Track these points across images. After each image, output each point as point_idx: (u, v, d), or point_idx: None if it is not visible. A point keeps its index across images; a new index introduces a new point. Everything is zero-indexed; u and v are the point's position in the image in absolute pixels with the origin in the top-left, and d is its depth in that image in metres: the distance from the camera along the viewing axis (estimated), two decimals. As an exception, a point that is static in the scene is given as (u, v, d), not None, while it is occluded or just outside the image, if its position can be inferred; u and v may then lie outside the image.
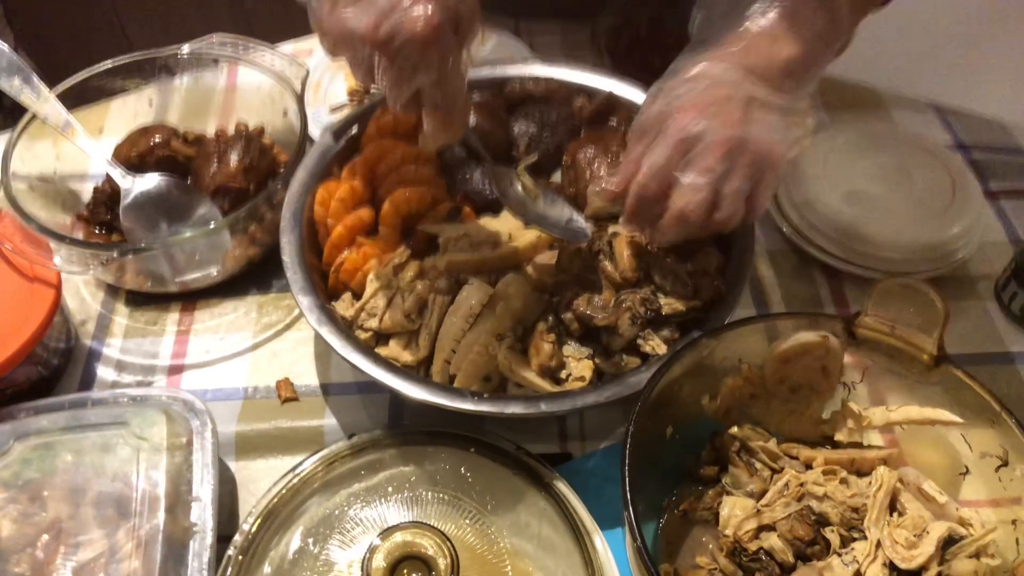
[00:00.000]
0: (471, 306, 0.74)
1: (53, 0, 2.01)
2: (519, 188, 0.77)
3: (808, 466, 0.71)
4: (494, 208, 0.83)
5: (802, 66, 0.66)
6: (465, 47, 0.63)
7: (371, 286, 0.76)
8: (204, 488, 0.68)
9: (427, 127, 0.66)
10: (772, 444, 0.71)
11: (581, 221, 0.76)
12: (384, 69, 0.60)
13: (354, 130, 0.87)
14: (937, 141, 0.97)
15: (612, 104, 0.88)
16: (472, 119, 0.84)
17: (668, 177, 0.64)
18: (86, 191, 0.94)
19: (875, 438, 0.72)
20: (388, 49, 0.58)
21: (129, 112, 0.98)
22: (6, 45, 0.87)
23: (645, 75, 1.00)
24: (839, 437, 0.72)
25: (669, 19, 1.07)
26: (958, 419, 0.65)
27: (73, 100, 0.91)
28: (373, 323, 0.75)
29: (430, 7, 0.57)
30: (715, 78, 0.64)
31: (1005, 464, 0.63)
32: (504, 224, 0.80)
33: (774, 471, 0.71)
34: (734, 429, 0.71)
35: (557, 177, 0.85)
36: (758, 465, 0.71)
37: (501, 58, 1.07)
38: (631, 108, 0.88)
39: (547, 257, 0.77)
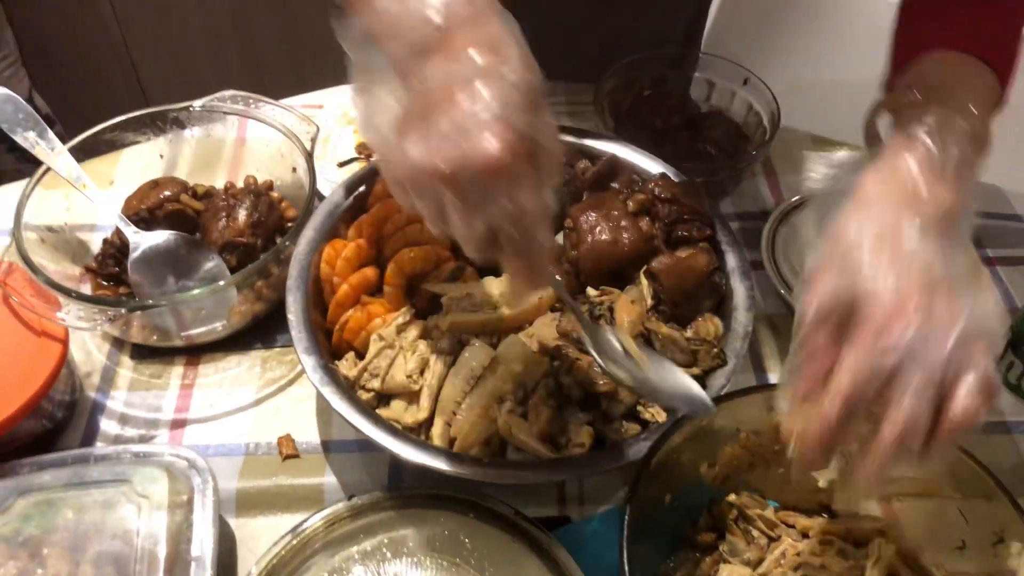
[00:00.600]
0: (472, 368, 0.75)
1: (70, 50, 2.05)
2: (617, 346, 0.67)
3: (805, 535, 0.71)
4: (497, 269, 0.85)
5: (963, 206, 0.60)
6: (546, 183, 0.53)
7: (374, 346, 0.77)
8: (204, 548, 0.68)
9: (509, 277, 0.60)
10: (769, 512, 0.72)
11: (700, 391, 0.67)
12: (452, 205, 0.52)
13: (362, 188, 0.88)
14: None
15: (614, 167, 0.89)
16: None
17: (887, 380, 0.52)
18: (95, 242, 0.95)
19: (872, 507, 0.73)
20: (454, 182, 0.50)
21: (140, 164, 1.00)
22: (21, 99, 0.88)
23: (647, 135, 1.03)
24: (836, 506, 0.72)
25: (671, 80, 1.09)
26: (955, 494, 0.65)
27: (85, 152, 0.93)
28: (375, 384, 0.76)
29: (503, 131, 0.49)
30: (899, 250, 0.55)
31: (1001, 541, 0.63)
32: (507, 286, 0.81)
33: (771, 539, 0.71)
34: (732, 497, 0.72)
35: (559, 239, 0.86)
36: (755, 533, 0.71)
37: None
38: (632, 171, 0.90)
39: (549, 320, 0.78)
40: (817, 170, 0.66)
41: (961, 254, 0.57)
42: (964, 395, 0.52)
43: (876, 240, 0.56)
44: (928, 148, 0.60)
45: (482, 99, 0.50)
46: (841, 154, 0.64)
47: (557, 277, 0.60)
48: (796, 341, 0.57)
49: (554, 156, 0.54)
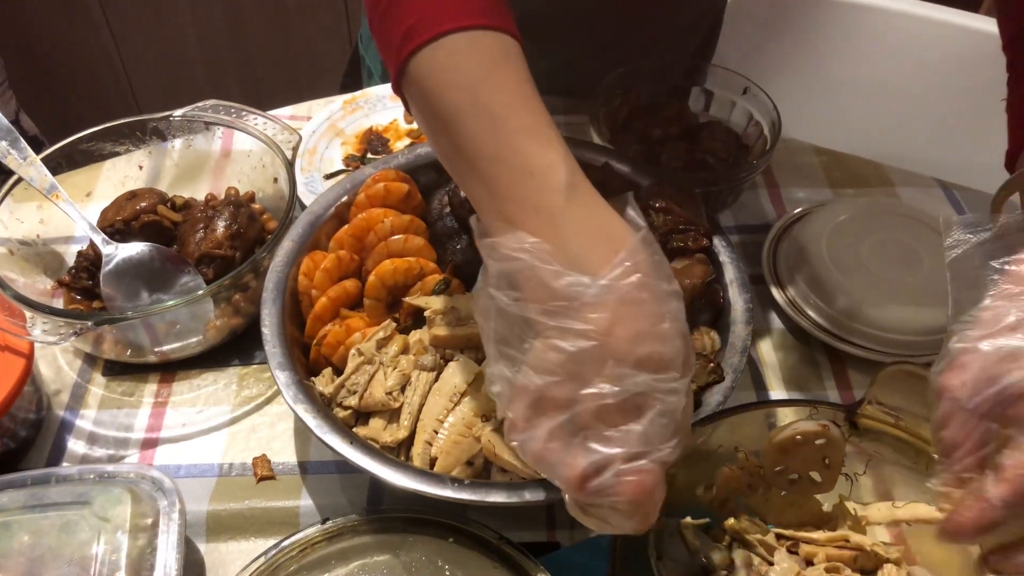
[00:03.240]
0: (456, 384, 0.71)
1: (63, 68, 2.05)
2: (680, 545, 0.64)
3: (809, 562, 0.67)
4: (484, 281, 0.81)
5: None
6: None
7: (353, 361, 0.74)
8: (168, 573, 0.64)
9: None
10: (770, 537, 0.67)
11: None
12: (583, 507, 0.52)
13: (344, 199, 0.85)
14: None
15: (607, 176, 0.86)
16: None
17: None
18: (70, 255, 0.92)
19: (880, 531, 0.68)
20: (591, 501, 0.50)
21: (119, 176, 0.97)
22: None
23: (644, 145, 1.00)
24: (842, 532, 0.68)
25: (669, 91, 1.06)
26: (969, 520, 0.61)
27: (63, 164, 0.90)
28: (353, 401, 0.72)
29: (650, 470, 0.49)
30: None
31: (1019, 568, 0.59)
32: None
33: (771, 565, 0.67)
34: (730, 521, 0.67)
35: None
36: (755, 559, 0.67)
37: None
38: (626, 180, 0.87)
39: None
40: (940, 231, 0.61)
41: None
42: None
43: None
44: None
45: (635, 435, 0.49)
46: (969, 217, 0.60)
47: None
48: (939, 414, 0.53)
49: (686, 450, 0.52)
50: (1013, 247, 0.55)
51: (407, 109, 0.61)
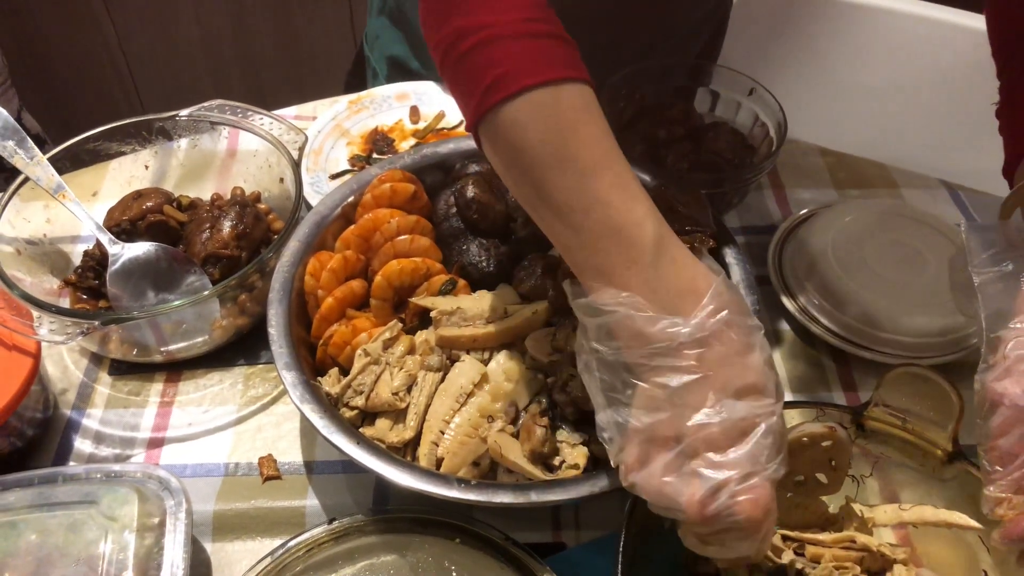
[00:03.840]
0: (462, 385, 0.71)
1: (68, 67, 2.05)
2: None
3: (815, 562, 0.67)
4: (490, 281, 0.81)
5: None
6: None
7: (359, 361, 0.74)
8: (174, 573, 0.65)
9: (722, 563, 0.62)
10: (777, 539, 0.67)
11: None
12: (702, 537, 0.55)
13: (351, 199, 0.85)
14: (948, 220, 0.94)
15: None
16: (470, 191, 0.82)
17: None
18: (77, 255, 0.92)
19: (887, 533, 0.68)
20: (711, 527, 0.53)
21: (125, 176, 0.97)
22: (2, 109, 0.86)
23: (649, 146, 1.00)
24: (848, 533, 0.68)
25: (675, 92, 1.06)
26: (976, 524, 0.61)
27: (69, 163, 0.90)
28: (359, 401, 0.72)
29: (763, 489, 0.52)
30: None
31: (1026, 571, 0.59)
32: (499, 299, 0.78)
33: (777, 567, 0.67)
34: (736, 523, 0.67)
35: (555, 251, 0.82)
36: (761, 560, 0.67)
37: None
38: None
39: (543, 335, 0.75)
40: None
41: None
42: None
43: None
44: None
45: (744, 456, 0.52)
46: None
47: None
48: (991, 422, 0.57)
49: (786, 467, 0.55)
50: None
51: (480, 150, 0.63)
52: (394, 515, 0.70)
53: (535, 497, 0.64)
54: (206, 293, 0.79)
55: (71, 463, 0.78)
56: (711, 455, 0.52)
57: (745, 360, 0.54)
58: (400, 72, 1.23)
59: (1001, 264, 0.61)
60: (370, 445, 0.67)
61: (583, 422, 0.70)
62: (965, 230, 0.63)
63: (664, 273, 0.55)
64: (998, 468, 0.57)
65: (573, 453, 0.68)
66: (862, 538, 0.66)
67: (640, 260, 0.55)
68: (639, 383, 0.55)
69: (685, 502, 0.52)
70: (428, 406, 0.72)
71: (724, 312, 0.54)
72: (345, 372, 0.75)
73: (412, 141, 1.09)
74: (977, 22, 1.24)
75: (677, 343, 0.53)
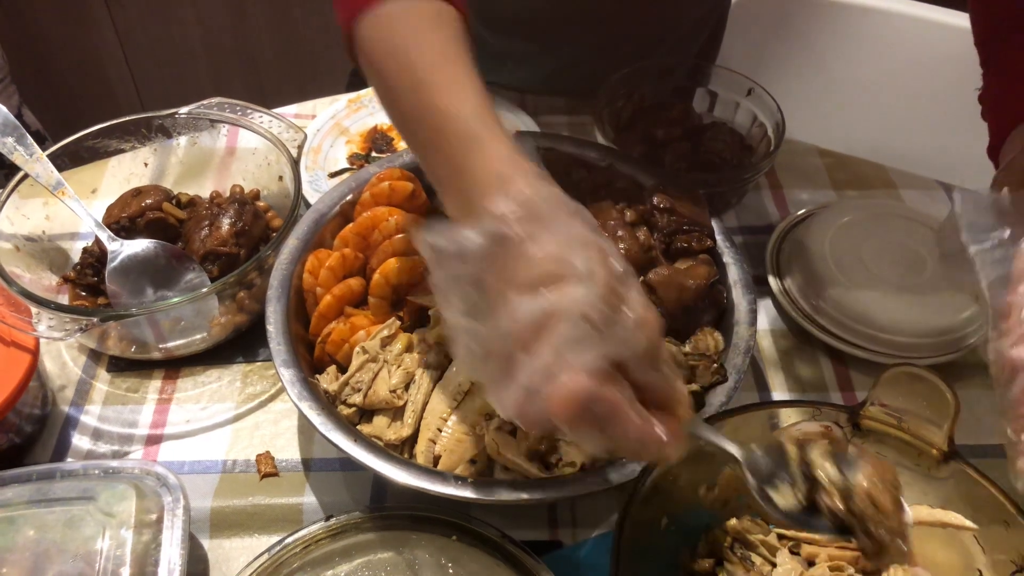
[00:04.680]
0: (460, 383, 0.72)
1: (68, 65, 2.05)
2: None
3: (811, 562, 0.67)
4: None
5: None
6: (647, 371, 0.50)
7: (357, 359, 0.74)
8: (172, 569, 0.65)
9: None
10: (772, 538, 0.68)
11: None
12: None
13: (349, 197, 0.85)
14: (947, 221, 0.95)
15: (611, 178, 0.86)
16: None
17: None
18: (76, 252, 0.92)
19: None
20: (543, 430, 0.53)
21: (124, 173, 0.97)
22: (2, 106, 0.86)
23: (648, 146, 1.00)
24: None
25: (673, 92, 1.07)
26: (971, 524, 0.61)
27: (69, 160, 0.90)
28: (357, 398, 0.72)
29: (569, 386, 0.47)
30: None
31: (1020, 570, 0.59)
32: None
33: (773, 566, 0.67)
34: (732, 522, 0.68)
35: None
36: (756, 560, 0.67)
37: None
38: (630, 181, 0.87)
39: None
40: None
41: None
42: None
43: None
44: None
45: (545, 352, 0.47)
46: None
47: (694, 428, 0.55)
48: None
49: (647, 347, 0.50)
50: None
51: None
52: (391, 512, 0.70)
53: (532, 495, 0.64)
54: (204, 290, 0.79)
55: (69, 459, 0.78)
56: (521, 356, 0.49)
57: (538, 250, 0.50)
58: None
59: (997, 230, 0.59)
60: (367, 443, 0.67)
61: (580, 420, 0.70)
62: (958, 197, 0.62)
63: (472, 165, 0.54)
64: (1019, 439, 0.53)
65: (570, 451, 0.68)
66: (858, 537, 0.66)
67: (453, 157, 0.55)
68: (454, 299, 0.52)
69: (511, 413, 0.50)
70: (426, 404, 0.72)
71: (516, 208, 0.51)
72: (343, 370, 0.75)
73: (411, 140, 1.09)
74: (976, 24, 1.24)
75: (468, 251, 0.51)
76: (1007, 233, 0.59)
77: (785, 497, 0.57)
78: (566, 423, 0.48)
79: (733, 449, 0.58)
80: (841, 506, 0.55)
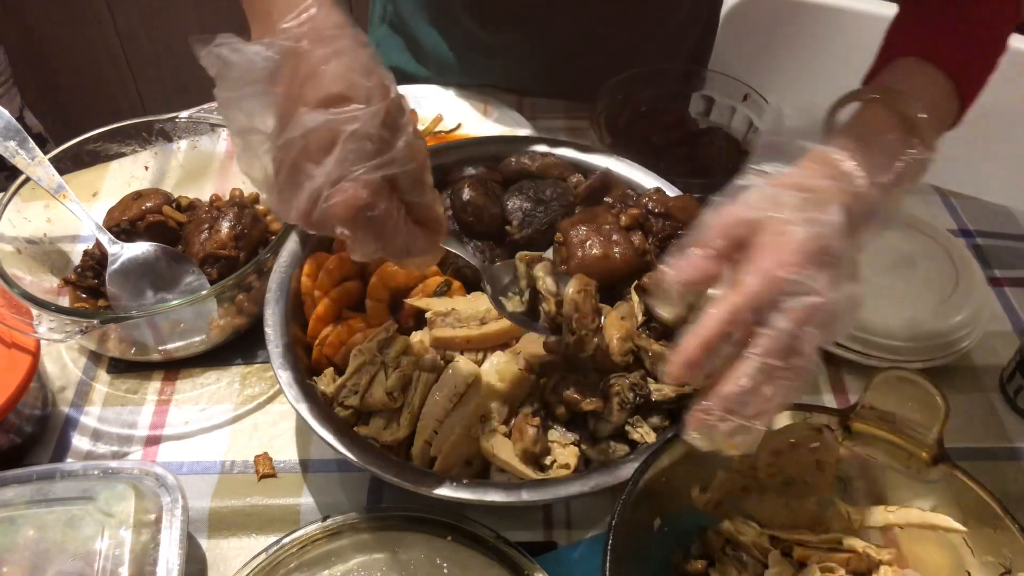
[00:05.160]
0: (455, 385, 0.72)
1: (69, 67, 2.05)
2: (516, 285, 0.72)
3: (803, 564, 0.68)
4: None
5: (890, 213, 0.64)
6: (415, 192, 0.58)
7: (354, 361, 0.75)
8: (171, 569, 0.65)
9: (398, 266, 0.65)
10: (764, 539, 0.68)
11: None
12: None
13: (347, 201, 0.85)
14: (940, 226, 0.95)
15: (607, 181, 0.87)
16: (466, 194, 0.83)
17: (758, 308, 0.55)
18: (76, 254, 0.93)
19: (873, 534, 0.69)
20: (327, 232, 0.57)
21: (125, 176, 0.98)
22: (4, 109, 0.87)
23: (644, 151, 1.00)
24: (835, 535, 0.69)
25: (669, 97, 1.07)
26: (960, 527, 0.62)
27: (70, 164, 0.91)
28: (354, 400, 0.73)
29: (350, 190, 0.54)
30: (822, 216, 0.58)
31: (1008, 572, 0.60)
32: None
33: (765, 566, 0.68)
34: (724, 523, 0.68)
35: (549, 254, 0.83)
36: (748, 561, 0.68)
37: (497, 134, 1.07)
38: (626, 186, 0.88)
39: (536, 337, 0.75)
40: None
41: (856, 251, 0.60)
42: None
43: (802, 201, 0.58)
44: (864, 147, 0.62)
45: (330, 161, 0.54)
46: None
47: (447, 244, 0.65)
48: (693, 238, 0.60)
49: (418, 172, 0.58)
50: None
51: None
52: (387, 513, 0.71)
53: (526, 496, 0.65)
54: (204, 293, 0.80)
55: (69, 460, 0.79)
56: (309, 166, 0.54)
57: (327, 71, 0.55)
58: (402, 80, 1.24)
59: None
60: (364, 444, 0.68)
61: (574, 422, 0.71)
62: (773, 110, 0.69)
63: None
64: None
65: (564, 453, 0.69)
66: (848, 539, 0.66)
67: None
68: (236, 115, 0.58)
69: (295, 214, 0.56)
70: (422, 406, 0.72)
71: (302, 25, 0.56)
72: (340, 372, 0.76)
73: (410, 144, 1.10)
74: (971, 30, 1.24)
75: (257, 66, 0.56)
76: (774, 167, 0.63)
77: (514, 304, 0.70)
78: (346, 225, 0.54)
79: (475, 263, 0.71)
80: (554, 310, 0.69)
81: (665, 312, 0.63)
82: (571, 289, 0.70)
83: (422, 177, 0.58)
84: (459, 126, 1.12)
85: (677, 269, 0.58)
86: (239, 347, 0.87)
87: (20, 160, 0.86)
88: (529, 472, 0.68)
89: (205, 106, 0.96)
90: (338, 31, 0.57)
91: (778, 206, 0.58)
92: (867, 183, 0.61)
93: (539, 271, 0.71)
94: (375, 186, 0.54)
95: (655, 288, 0.62)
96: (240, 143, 0.59)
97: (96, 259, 0.89)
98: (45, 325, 0.76)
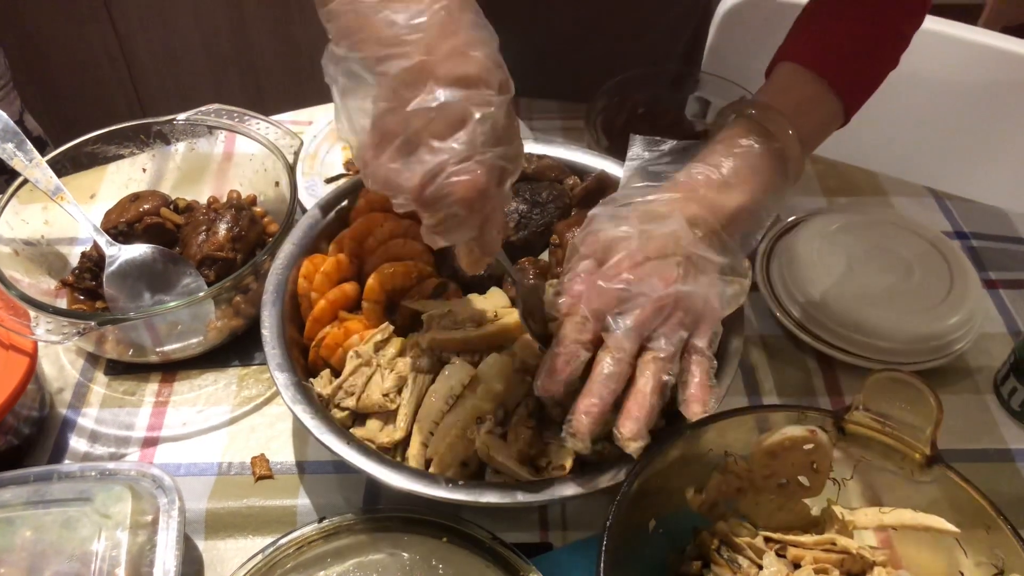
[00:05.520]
0: (452, 386, 0.72)
1: (68, 70, 2.05)
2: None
3: (796, 565, 0.68)
4: (481, 286, 0.82)
5: (749, 215, 0.70)
6: (507, 185, 0.59)
7: (351, 363, 0.75)
8: (167, 570, 0.66)
9: (461, 259, 0.65)
10: (759, 540, 0.69)
11: None
12: (426, 220, 0.58)
13: (344, 203, 0.86)
14: (935, 228, 0.96)
15: (603, 183, 0.87)
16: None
17: (602, 320, 0.65)
18: (74, 256, 0.93)
19: (868, 535, 0.70)
20: (433, 209, 0.56)
21: (123, 179, 0.99)
22: (2, 112, 0.87)
23: (640, 155, 1.01)
24: (829, 536, 0.69)
25: (665, 100, 1.08)
26: (954, 528, 0.62)
27: (67, 166, 0.92)
28: (351, 402, 0.73)
29: (478, 171, 0.54)
30: (661, 226, 0.67)
31: (1001, 573, 0.60)
32: (490, 303, 0.79)
33: (760, 567, 0.68)
34: (719, 525, 0.68)
35: (545, 256, 0.84)
36: (743, 562, 0.68)
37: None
38: (623, 188, 0.88)
39: (532, 339, 0.76)
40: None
41: (726, 259, 0.69)
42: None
43: (647, 218, 0.68)
44: (726, 161, 0.71)
45: (461, 139, 0.54)
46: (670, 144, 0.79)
47: (500, 256, 0.67)
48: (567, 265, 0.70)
49: (517, 169, 0.59)
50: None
51: None
52: (384, 514, 0.71)
53: (522, 497, 0.65)
54: (201, 295, 0.80)
55: (66, 461, 0.79)
56: (433, 141, 0.54)
57: (468, 52, 0.55)
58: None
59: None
60: (361, 446, 0.68)
61: (570, 424, 0.71)
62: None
63: None
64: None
65: (560, 454, 0.69)
66: (843, 540, 0.67)
67: None
68: (367, 76, 0.56)
69: (407, 186, 0.55)
70: (418, 408, 0.73)
71: (445, 5, 0.56)
72: (337, 373, 0.76)
73: (407, 146, 1.10)
74: (967, 33, 1.25)
75: (395, 31, 0.55)
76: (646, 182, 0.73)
77: (538, 325, 0.72)
78: (463, 205, 0.55)
79: (516, 277, 0.73)
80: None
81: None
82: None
83: (516, 176, 0.59)
84: (456, 128, 1.12)
85: (563, 372, 0.64)
86: (236, 349, 0.88)
87: (18, 162, 0.86)
88: (525, 473, 0.68)
89: (203, 108, 0.97)
90: (476, 18, 0.58)
91: (619, 222, 0.68)
92: (715, 192, 0.69)
93: (549, 288, 0.73)
94: (495, 173, 0.55)
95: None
96: (341, 101, 0.59)
97: (94, 261, 0.90)
98: (43, 327, 0.76)
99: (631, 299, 0.65)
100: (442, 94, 0.54)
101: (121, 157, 0.97)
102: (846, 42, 0.77)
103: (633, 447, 0.63)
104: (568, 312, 0.66)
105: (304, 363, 0.78)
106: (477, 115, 0.54)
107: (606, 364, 0.64)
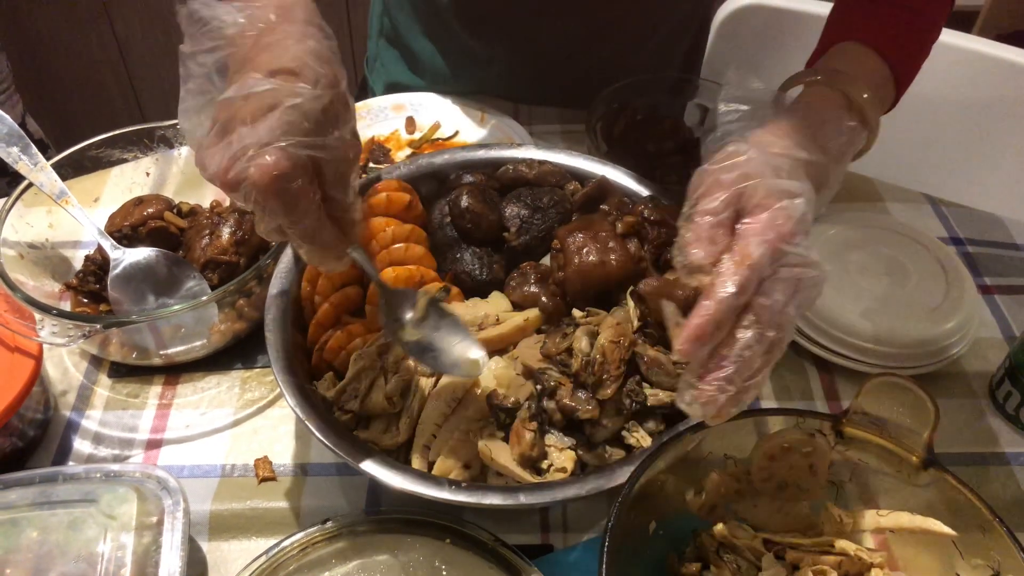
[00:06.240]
0: (454, 390, 0.73)
1: (69, 73, 2.06)
2: (410, 313, 0.71)
3: (795, 566, 0.69)
4: (483, 289, 0.83)
5: (826, 166, 0.68)
6: (337, 187, 0.60)
7: (354, 366, 0.75)
8: (172, 571, 0.66)
9: (302, 255, 0.65)
10: (757, 542, 0.69)
11: (473, 355, 0.70)
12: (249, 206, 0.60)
13: (347, 207, 0.86)
14: (931, 234, 0.97)
15: (604, 189, 0.88)
16: (464, 201, 0.84)
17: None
18: (78, 259, 0.94)
19: (865, 538, 0.70)
20: (236, 194, 0.57)
21: (126, 182, 0.99)
22: (3, 113, 0.88)
23: (639, 160, 1.02)
24: (827, 538, 0.70)
25: (664, 106, 1.09)
26: (950, 531, 0.63)
27: (71, 169, 0.92)
28: (354, 405, 0.74)
29: (274, 157, 0.55)
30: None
31: (996, 575, 0.61)
32: (492, 306, 0.80)
33: (759, 569, 0.69)
34: (719, 527, 0.69)
35: (546, 261, 0.85)
36: (742, 564, 0.69)
37: (495, 141, 1.08)
38: (622, 193, 0.89)
39: (533, 342, 0.77)
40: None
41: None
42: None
43: (793, 167, 0.63)
44: (811, 123, 0.68)
45: (263, 126, 0.56)
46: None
47: (355, 252, 0.66)
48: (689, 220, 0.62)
49: (344, 162, 0.60)
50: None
51: None
52: (386, 516, 0.72)
53: (523, 499, 0.66)
54: (205, 298, 0.81)
55: (71, 463, 0.80)
56: (242, 128, 0.56)
57: (286, 46, 0.59)
58: (400, 92, 1.25)
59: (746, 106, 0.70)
60: (364, 448, 0.69)
61: (571, 427, 0.72)
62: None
63: None
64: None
65: (561, 457, 0.70)
66: (840, 543, 0.68)
67: None
68: (197, 68, 0.61)
69: (213, 168, 0.57)
70: (421, 410, 0.73)
71: (280, 9, 0.60)
72: (340, 377, 0.77)
73: (408, 151, 1.11)
74: (965, 41, 1.26)
75: (227, 25, 0.60)
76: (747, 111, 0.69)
77: (408, 333, 0.70)
78: (259, 190, 0.55)
79: (376, 280, 0.71)
80: (579, 367, 0.71)
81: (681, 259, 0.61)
82: (604, 336, 0.72)
83: (348, 175, 0.61)
84: (456, 133, 1.13)
85: (694, 235, 0.60)
86: (239, 352, 0.88)
87: (23, 166, 0.87)
88: (526, 476, 0.68)
89: (206, 113, 0.97)
90: (308, 18, 0.61)
91: (777, 170, 0.61)
92: (821, 156, 0.66)
93: (580, 333, 0.73)
94: (298, 161, 0.56)
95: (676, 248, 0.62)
96: (189, 99, 0.62)
97: (98, 264, 0.90)
98: (47, 329, 0.77)
99: (791, 265, 0.58)
100: (254, 83, 0.57)
101: (125, 161, 0.98)
102: (897, 25, 0.78)
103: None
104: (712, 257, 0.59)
105: (307, 366, 0.78)
106: (285, 104, 0.56)
107: (752, 337, 0.57)
